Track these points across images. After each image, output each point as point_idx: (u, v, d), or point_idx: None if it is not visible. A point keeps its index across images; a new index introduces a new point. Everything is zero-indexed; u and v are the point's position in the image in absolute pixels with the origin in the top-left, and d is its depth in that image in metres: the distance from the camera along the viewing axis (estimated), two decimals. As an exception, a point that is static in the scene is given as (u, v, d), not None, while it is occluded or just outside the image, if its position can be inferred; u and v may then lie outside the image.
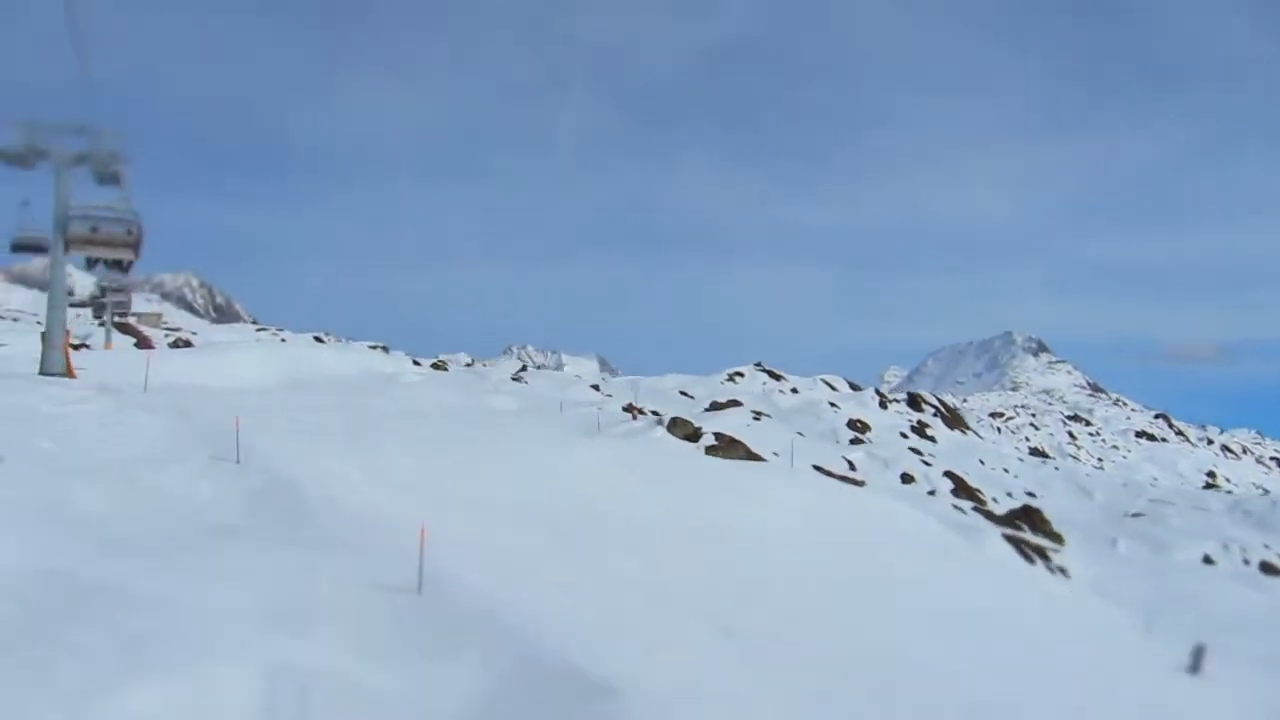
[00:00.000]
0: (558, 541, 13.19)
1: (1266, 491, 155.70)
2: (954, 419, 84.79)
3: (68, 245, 30.23)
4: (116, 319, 67.19)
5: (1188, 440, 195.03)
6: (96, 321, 71.78)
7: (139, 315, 74.54)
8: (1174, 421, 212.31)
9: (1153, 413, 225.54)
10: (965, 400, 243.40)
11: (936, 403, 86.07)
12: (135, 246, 33.88)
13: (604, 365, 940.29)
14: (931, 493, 35.87)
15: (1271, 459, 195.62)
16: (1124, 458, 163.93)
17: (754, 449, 30.84)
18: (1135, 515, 55.68)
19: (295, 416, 20.67)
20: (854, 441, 57.05)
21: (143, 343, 66.23)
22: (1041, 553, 23.73)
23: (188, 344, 68.15)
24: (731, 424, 34.33)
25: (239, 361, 49.31)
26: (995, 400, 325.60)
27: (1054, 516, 40.41)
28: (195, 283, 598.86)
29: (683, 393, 62.87)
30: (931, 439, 69.39)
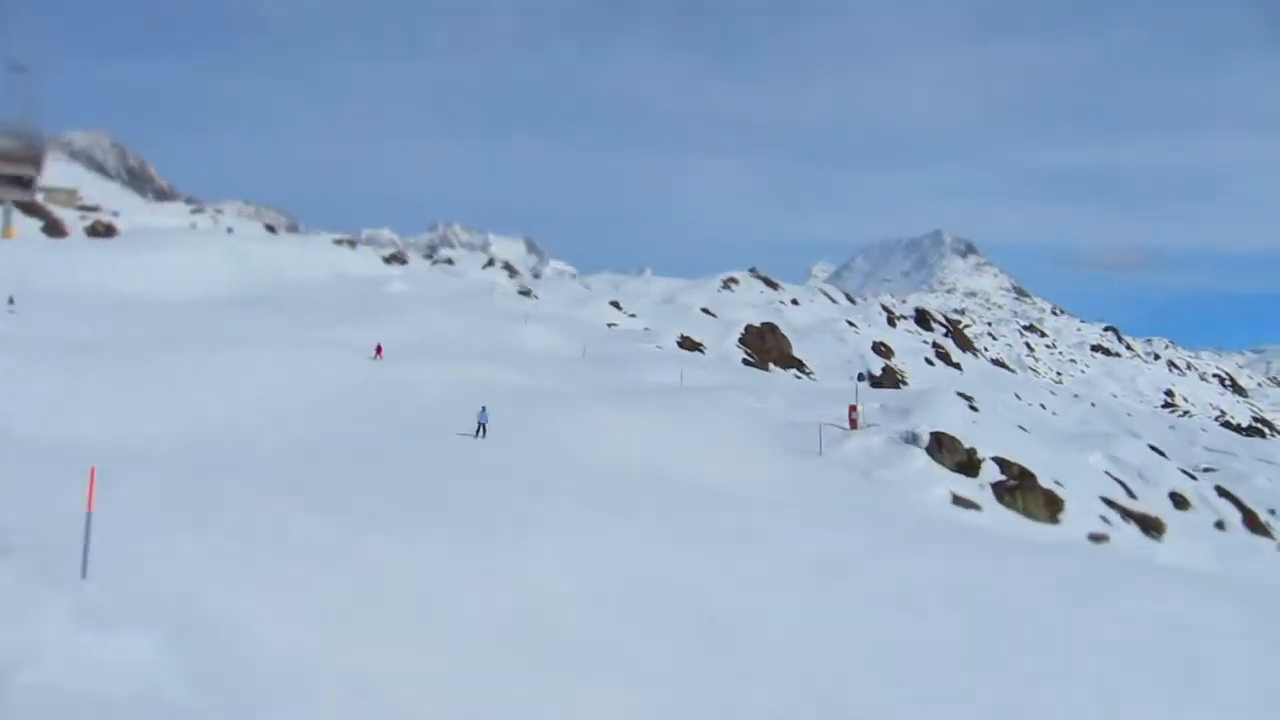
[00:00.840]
0: None
1: (1223, 413, 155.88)
2: (962, 340, 78.87)
3: None
4: (21, 198, 55.98)
5: (1137, 355, 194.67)
6: (-6, 197, 60.14)
7: (48, 191, 62.70)
8: (1122, 335, 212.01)
9: (1101, 325, 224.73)
10: (904, 301, 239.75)
11: (944, 320, 79.88)
12: (37, 162, 28.85)
13: (531, 247, 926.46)
14: (1220, 525, 28.90)
15: (1214, 376, 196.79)
16: (1082, 372, 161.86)
17: (1043, 482, 23.38)
18: (1206, 470, 50.26)
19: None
20: (875, 380, 50.16)
21: (54, 228, 55.54)
22: None
23: (110, 229, 57.53)
24: (948, 422, 26.39)
25: (181, 262, 39.97)
26: (934, 303, 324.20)
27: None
28: (107, 143, 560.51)
29: (705, 310, 54.96)
30: (957, 366, 63.16)
